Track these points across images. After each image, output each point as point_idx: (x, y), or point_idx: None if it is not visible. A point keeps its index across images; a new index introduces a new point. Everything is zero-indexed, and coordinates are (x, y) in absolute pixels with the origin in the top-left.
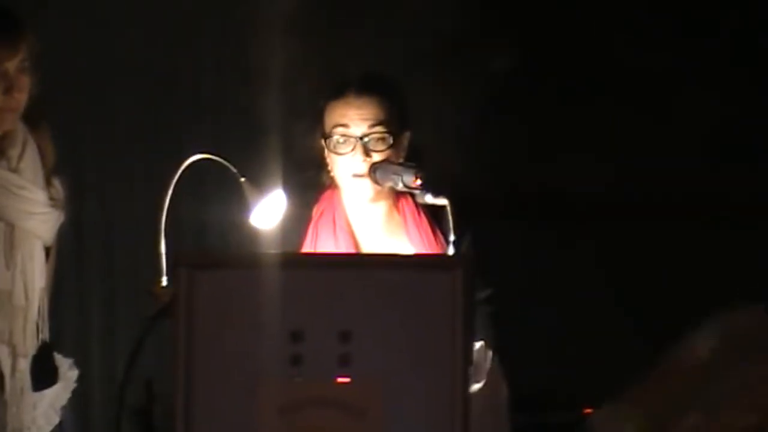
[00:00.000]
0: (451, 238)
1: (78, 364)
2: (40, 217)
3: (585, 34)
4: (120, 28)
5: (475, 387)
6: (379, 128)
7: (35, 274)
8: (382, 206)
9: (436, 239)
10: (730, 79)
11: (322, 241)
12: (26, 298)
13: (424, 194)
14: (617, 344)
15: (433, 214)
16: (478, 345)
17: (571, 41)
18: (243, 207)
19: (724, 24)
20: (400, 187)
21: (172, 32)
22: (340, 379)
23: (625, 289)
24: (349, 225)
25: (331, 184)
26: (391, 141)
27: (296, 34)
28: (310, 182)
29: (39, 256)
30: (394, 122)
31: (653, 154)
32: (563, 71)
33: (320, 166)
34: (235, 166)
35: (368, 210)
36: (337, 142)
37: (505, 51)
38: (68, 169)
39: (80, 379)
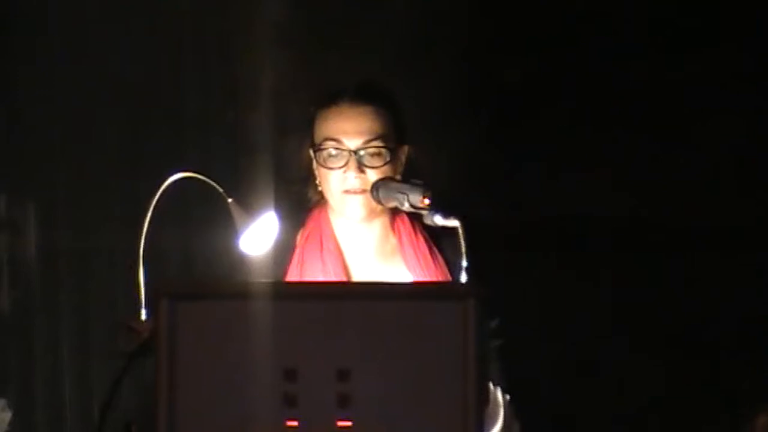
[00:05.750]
0: (464, 263)
1: (49, 404)
2: None
3: (601, 53)
4: (94, 41)
5: None
6: (375, 142)
7: None
8: (376, 226)
9: (435, 263)
10: (753, 101)
11: (308, 267)
12: None
13: (433, 215)
14: (631, 380)
15: (432, 236)
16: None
17: (587, 59)
18: (231, 231)
19: (746, 48)
20: (405, 207)
21: (152, 46)
22: (339, 423)
23: (641, 323)
24: (338, 247)
25: (319, 202)
26: (389, 157)
27: (285, 47)
28: (297, 198)
29: None
30: (391, 136)
31: (674, 180)
32: (580, 90)
33: (308, 180)
34: (222, 186)
35: (360, 230)
36: (328, 156)
37: (514, 63)
38: (38, 193)
39: (54, 422)
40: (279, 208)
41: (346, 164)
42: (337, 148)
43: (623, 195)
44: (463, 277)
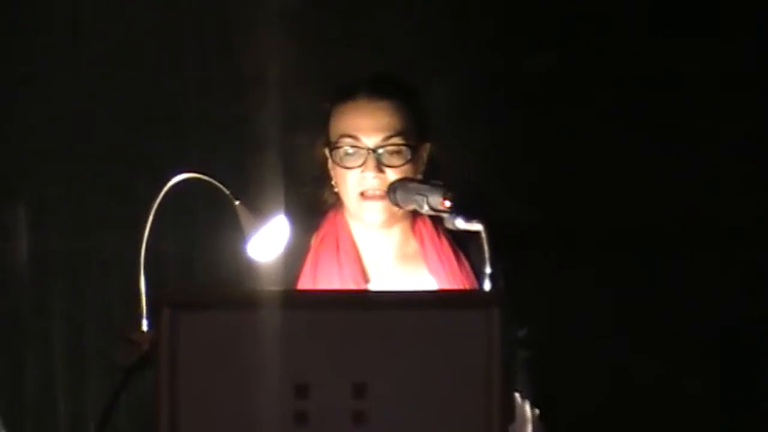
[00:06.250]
0: (487, 270)
1: (40, 420)
2: None
3: (602, 52)
4: (92, 37)
5: None
6: (395, 139)
7: None
8: (396, 230)
9: (461, 268)
10: (756, 104)
11: (322, 271)
12: None
13: (455, 218)
14: (631, 379)
15: (457, 239)
16: (516, 398)
17: (588, 60)
18: (238, 236)
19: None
20: (425, 210)
21: (151, 36)
22: None
23: (641, 323)
24: (355, 250)
25: (335, 204)
26: (410, 155)
27: (292, 39)
28: (310, 200)
29: None
30: (412, 132)
31: (709, 181)
32: (613, 76)
33: (322, 180)
34: (228, 187)
35: (379, 234)
36: (345, 154)
37: (541, 50)
38: (30, 193)
39: None
40: (290, 211)
41: (364, 163)
42: (354, 146)
43: (626, 195)
44: (487, 284)
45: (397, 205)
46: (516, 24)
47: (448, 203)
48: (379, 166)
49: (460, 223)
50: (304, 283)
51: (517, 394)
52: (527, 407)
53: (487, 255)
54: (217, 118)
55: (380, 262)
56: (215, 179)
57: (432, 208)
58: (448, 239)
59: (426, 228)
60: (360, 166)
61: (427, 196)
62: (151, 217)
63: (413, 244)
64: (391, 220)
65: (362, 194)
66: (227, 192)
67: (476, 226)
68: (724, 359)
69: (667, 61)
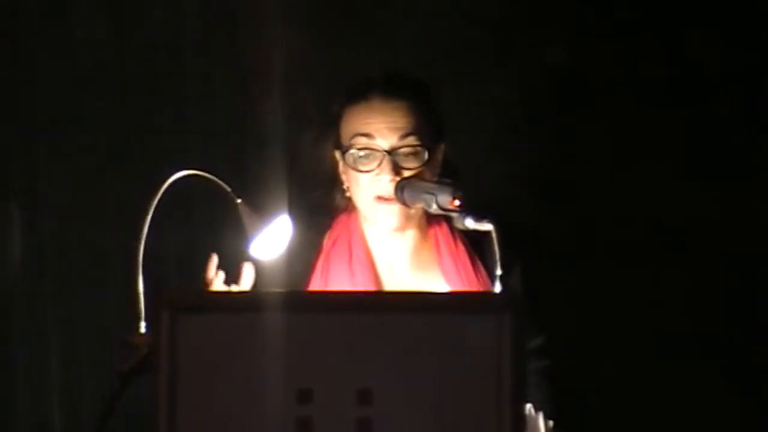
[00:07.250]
0: (498, 272)
1: (34, 427)
2: None
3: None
4: (86, 26)
5: None
6: (411, 139)
7: None
8: (411, 234)
9: (476, 273)
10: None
11: (334, 276)
12: None
13: (464, 218)
14: (691, 405)
15: (474, 244)
16: (527, 410)
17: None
18: (239, 236)
19: None
20: (433, 209)
21: (150, 25)
22: None
23: (710, 343)
24: (368, 256)
25: (347, 207)
26: (426, 156)
27: (299, 28)
28: (320, 205)
29: None
30: (427, 133)
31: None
32: (642, 66)
33: (333, 185)
34: (230, 185)
35: (394, 239)
36: (358, 156)
37: (562, 40)
38: (21, 190)
39: None
40: (297, 211)
41: (379, 165)
42: (368, 148)
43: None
44: (498, 287)
45: (404, 203)
46: (533, 20)
47: (457, 202)
48: (396, 169)
49: (470, 223)
50: (315, 288)
51: (529, 406)
52: (540, 419)
53: (497, 256)
54: (219, 113)
55: (394, 267)
56: (216, 176)
57: (441, 208)
58: (465, 245)
59: (442, 233)
60: (375, 168)
61: (435, 195)
62: (149, 216)
63: (429, 248)
64: (406, 223)
65: (377, 197)
66: (228, 190)
67: (486, 226)
68: (733, 363)
69: (697, 65)
